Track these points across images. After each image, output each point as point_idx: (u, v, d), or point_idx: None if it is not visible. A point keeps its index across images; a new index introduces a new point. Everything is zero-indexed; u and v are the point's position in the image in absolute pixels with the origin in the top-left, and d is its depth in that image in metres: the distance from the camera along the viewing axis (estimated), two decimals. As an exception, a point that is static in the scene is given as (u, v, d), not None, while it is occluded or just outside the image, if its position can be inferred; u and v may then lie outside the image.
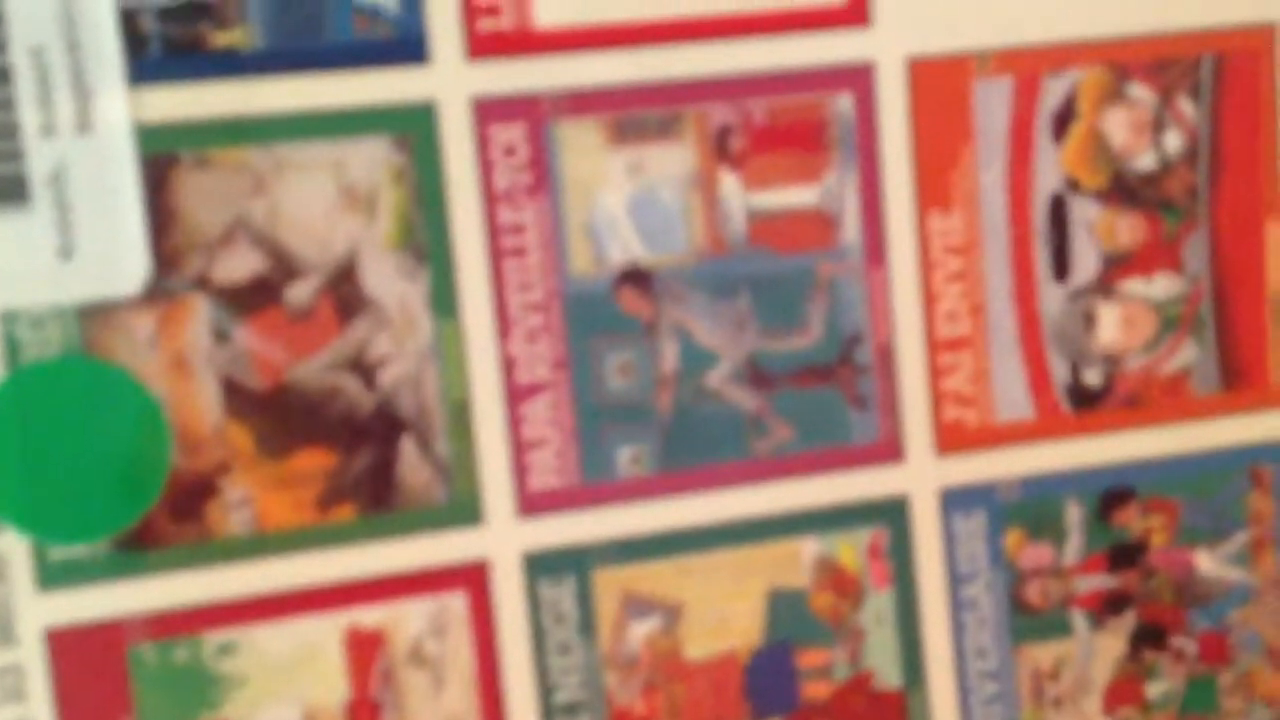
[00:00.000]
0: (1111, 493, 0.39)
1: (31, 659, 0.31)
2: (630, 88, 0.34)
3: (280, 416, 0.33)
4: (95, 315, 0.31)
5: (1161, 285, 0.39)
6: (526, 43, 0.34)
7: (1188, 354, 0.39)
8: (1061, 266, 0.38)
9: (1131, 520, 0.39)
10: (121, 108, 0.30)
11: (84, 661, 0.32)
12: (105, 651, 0.32)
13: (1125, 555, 0.39)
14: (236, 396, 0.32)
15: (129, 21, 0.31)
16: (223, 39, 0.32)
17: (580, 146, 0.34)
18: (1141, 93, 0.38)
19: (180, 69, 0.31)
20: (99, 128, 0.30)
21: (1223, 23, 0.38)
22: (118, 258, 0.31)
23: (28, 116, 0.30)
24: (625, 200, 0.35)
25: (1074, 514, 0.39)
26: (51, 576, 0.31)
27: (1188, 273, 0.39)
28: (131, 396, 0.31)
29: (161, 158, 0.31)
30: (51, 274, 0.30)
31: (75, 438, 0.31)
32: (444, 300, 0.33)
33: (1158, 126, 0.38)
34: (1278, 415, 0.39)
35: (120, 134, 0.30)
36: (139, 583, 0.32)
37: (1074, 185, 0.38)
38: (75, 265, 0.30)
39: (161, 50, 0.31)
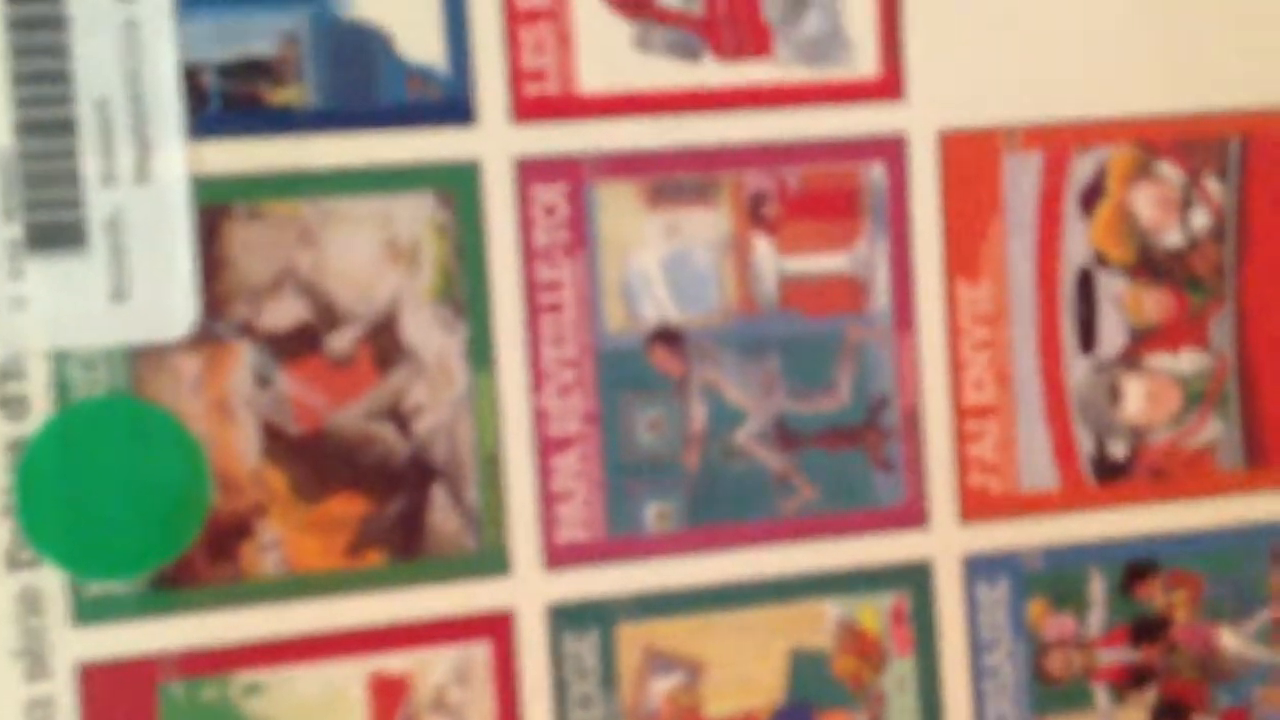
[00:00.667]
0: (1135, 565, 0.40)
1: (63, 693, 0.33)
2: (668, 153, 0.36)
3: (316, 462, 0.34)
4: (144, 357, 0.33)
5: (1187, 360, 0.40)
6: (570, 107, 0.36)
7: (1213, 430, 0.40)
8: (1088, 338, 0.40)
9: (1155, 594, 0.40)
10: (179, 160, 0.33)
11: (115, 697, 0.33)
12: (136, 688, 0.33)
13: (1148, 629, 0.40)
14: (275, 440, 0.34)
15: (190, 77, 0.33)
16: (279, 96, 0.34)
17: (618, 208, 0.36)
18: (1169, 171, 0.40)
19: (237, 124, 0.33)
20: (157, 178, 0.32)
21: (1249, 105, 0.40)
22: (168, 302, 0.32)
23: (89, 165, 0.32)
24: (660, 261, 0.36)
25: (1097, 586, 0.40)
26: (86, 611, 0.33)
27: (1214, 349, 0.40)
28: (174, 437, 0.33)
29: (215, 208, 0.33)
30: (104, 316, 0.32)
31: (118, 475, 0.32)
32: (480, 353, 0.35)
33: (1185, 204, 0.40)
34: (1301, 494, 0.40)
35: (177, 184, 0.33)
36: (171, 621, 0.33)
37: (1102, 259, 0.40)
38: (127, 308, 0.32)
39: (220, 105, 0.33)
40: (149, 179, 0.33)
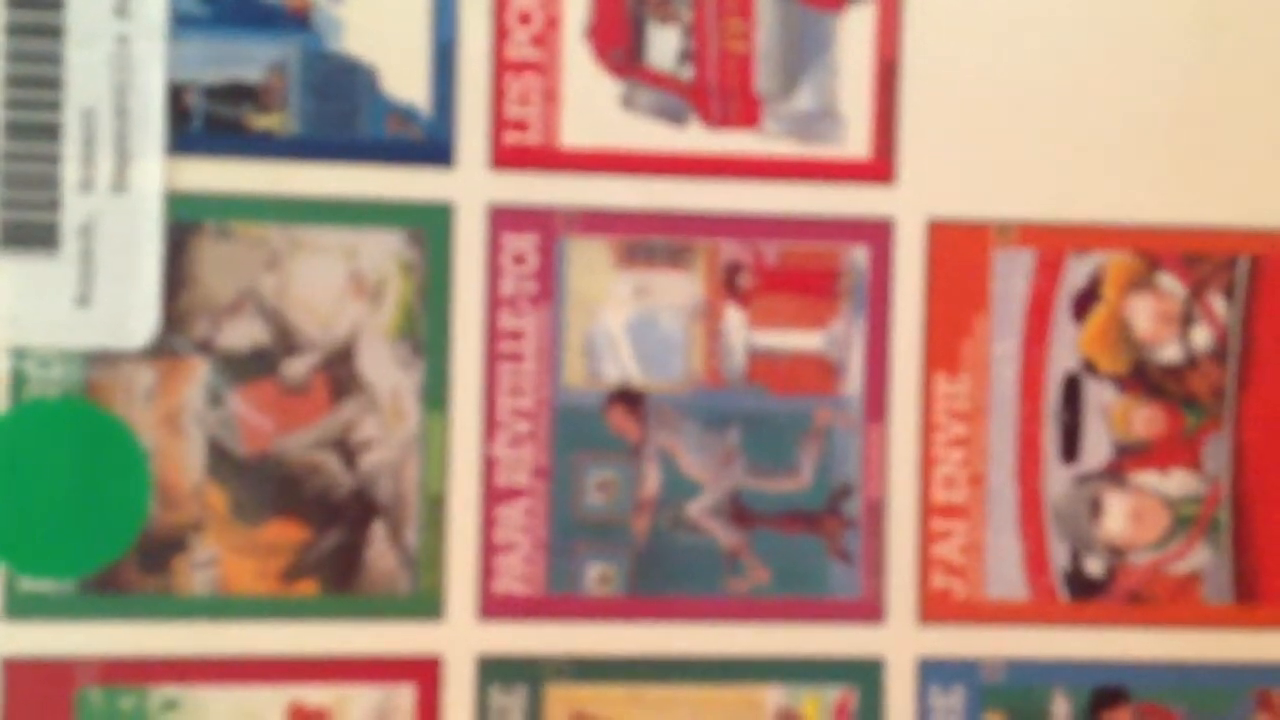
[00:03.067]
0: (1104, 691, 0.45)
1: None
2: (646, 214, 0.43)
3: (259, 485, 0.41)
4: (101, 363, 0.40)
5: (1177, 482, 0.45)
6: (549, 159, 0.42)
7: (1200, 558, 0.45)
8: (1071, 448, 0.45)
9: (1123, 723, 0.45)
10: (156, 173, 0.40)
11: (35, 695, 0.39)
12: (56, 689, 0.40)
13: (1113, 760, 0.44)
14: (220, 459, 0.41)
15: (176, 96, 0.40)
16: (262, 122, 0.41)
17: (589, 264, 0.43)
18: (1171, 284, 0.45)
19: (217, 145, 0.41)
20: (133, 189, 0.39)
21: (1264, 224, 0.45)
22: (130, 311, 0.39)
23: (69, 171, 0.39)
24: (626, 321, 0.43)
25: (1061, 706, 0.45)
26: (17, 607, 0.39)
27: (1207, 473, 0.45)
28: (122, 444, 0.40)
29: (186, 224, 0.40)
30: (67, 319, 0.39)
31: (63, 476, 0.39)
32: (435, 394, 0.41)
33: (1186, 320, 0.45)
34: (1292, 637, 0.43)
35: (151, 197, 0.40)
36: (99, 626, 0.40)
37: (1091, 367, 0.45)
38: (90, 313, 0.39)
39: (203, 125, 0.40)
40: (125, 190, 0.40)
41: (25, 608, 0.39)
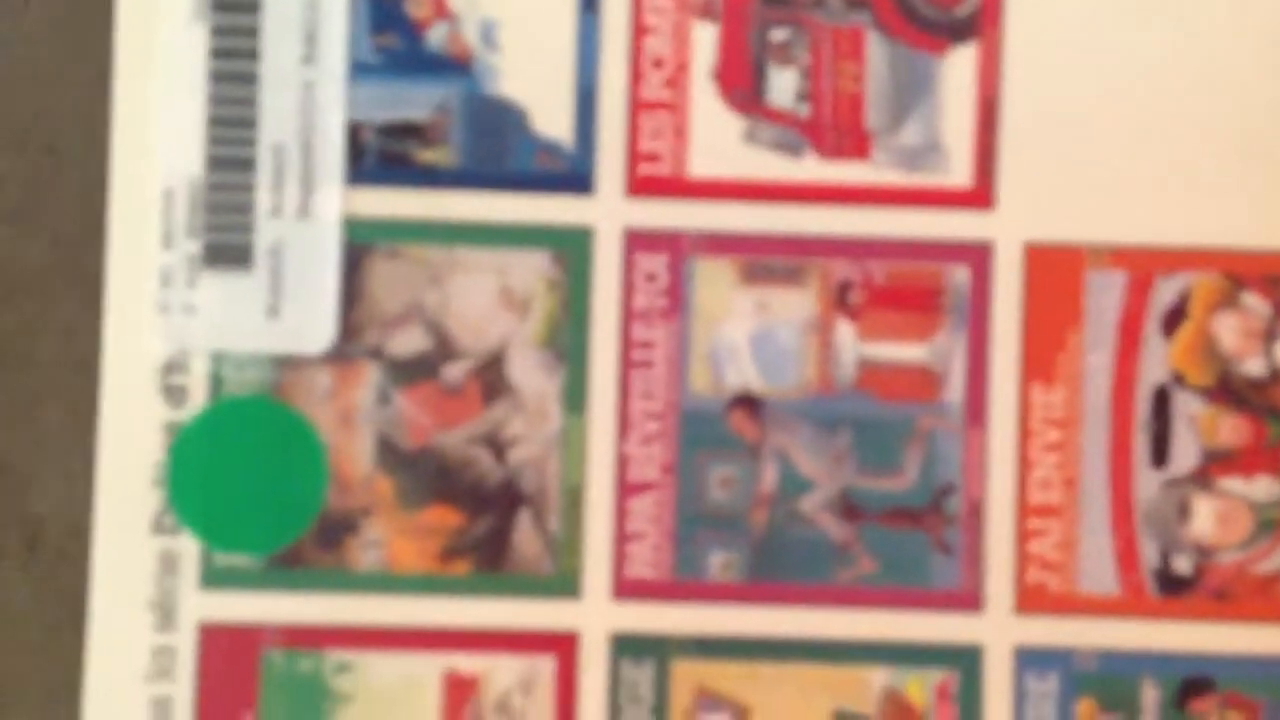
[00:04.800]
0: (1192, 681, 0.52)
1: (185, 645, 0.48)
2: (765, 237, 0.51)
3: (420, 475, 0.49)
4: (287, 366, 0.49)
5: (1262, 487, 0.52)
6: (679, 188, 0.51)
7: (1283, 558, 0.52)
8: (1160, 454, 0.52)
9: (1209, 711, 0.52)
10: (336, 202, 0.49)
11: (225, 655, 0.49)
12: (244, 650, 0.49)
13: (1200, 746, 0.51)
14: (387, 452, 0.49)
15: (354, 133, 0.49)
16: (427, 156, 0.50)
17: (713, 282, 0.51)
18: (1255, 302, 0.52)
19: (388, 176, 0.49)
20: (316, 215, 0.48)
21: (1344, 248, 0.52)
22: (313, 322, 0.48)
23: (261, 199, 0.48)
24: (747, 333, 0.51)
25: (1150, 695, 0.52)
26: (212, 578, 0.48)
27: (1290, 480, 0.52)
28: (304, 438, 0.48)
29: (361, 246, 0.49)
30: (259, 327, 0.48)
31: (253, 464, 0.48)
32: (575, 397, 0.50)
33: (1270, 336, 0.52)
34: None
35: (331, 222, 0.49)
36: (281, 596, 0.49)
37: (1180, 379, 0.52)
38: (278, 323, 0.48)
39: (377, 159, 0.49)
40: (309, 216, 0.49)
41: (218, 579, 0.48)
